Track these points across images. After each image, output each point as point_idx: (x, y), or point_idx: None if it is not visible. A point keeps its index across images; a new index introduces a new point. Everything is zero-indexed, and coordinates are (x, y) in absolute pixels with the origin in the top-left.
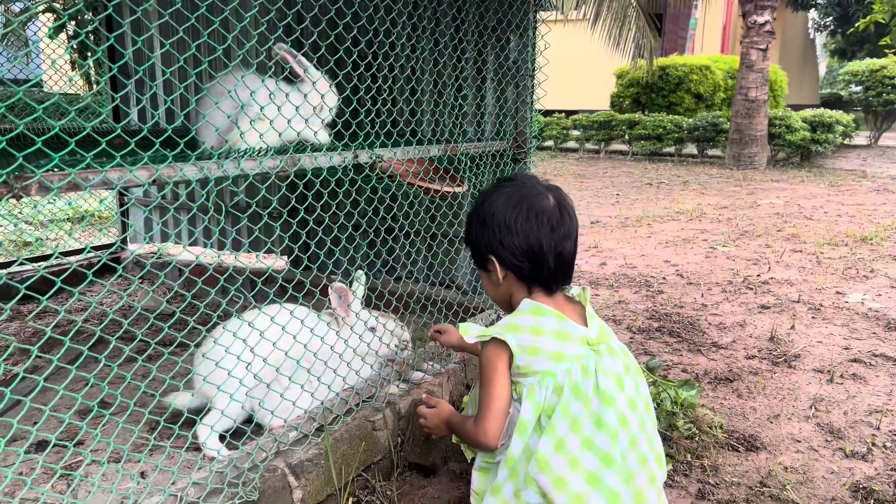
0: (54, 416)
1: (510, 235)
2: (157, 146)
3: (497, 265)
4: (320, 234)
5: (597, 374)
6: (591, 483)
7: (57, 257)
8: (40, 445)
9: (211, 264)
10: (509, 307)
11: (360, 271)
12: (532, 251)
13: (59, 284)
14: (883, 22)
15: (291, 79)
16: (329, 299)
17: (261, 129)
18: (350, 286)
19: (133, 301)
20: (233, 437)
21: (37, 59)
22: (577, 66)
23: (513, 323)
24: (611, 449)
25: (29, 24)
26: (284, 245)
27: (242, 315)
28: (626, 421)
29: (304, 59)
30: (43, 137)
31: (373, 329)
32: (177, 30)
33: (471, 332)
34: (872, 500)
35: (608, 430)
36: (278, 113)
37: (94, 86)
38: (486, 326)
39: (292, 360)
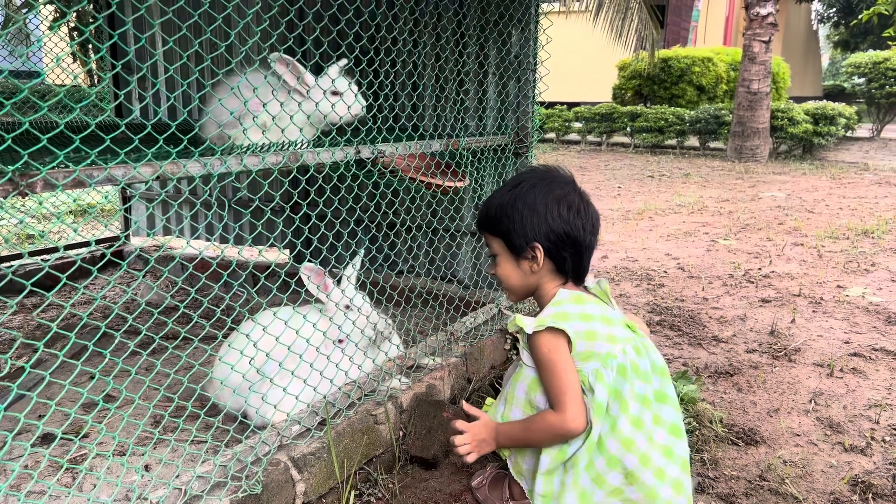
0: (60, 410)
1: (561, 225)
2: (160, 143)
3: (540, 253)
4: (322, 228)
5: (648, 352)
6: (667, 455)
7: (62, 252)
8: (46, 439)
9: (214, 259)
10: (523, 297)
11: (357, 256)
12: (576, 244)
13: (64, 280)
14: (887, 13)
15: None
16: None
17: (267, 130)
18: (344, 269)
19: (136, 295)
20: (237, 431)
21: (38, 52)
22: (578, 57)
23: (562, 311)
24: (676, 420)
25: (31, 17)
26: (287, 240)
27: (256, 318)
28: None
29: (298, 66)
30: (48, 135)
31: (347, 307)
32: (180, 27)
33: (526, 323)
34: (871, 494)
35: (672, 402)
36: (281, 110)
37: (97, 80)
38: (515, 320)
39: (294, 355)
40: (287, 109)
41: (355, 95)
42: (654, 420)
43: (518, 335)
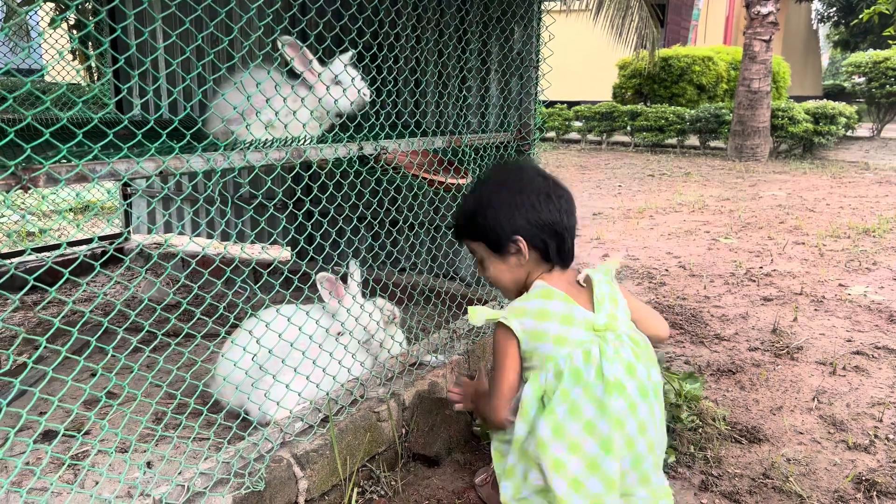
0: (62, 407)
1: (536, 213)
2: (164, 137)
3: (524, 245)
4: (325, 225)
5: (602, 360)
6: (591, 468)
7: (64, 248)
8: (48, 435)
9: (216, 255)
10: (518, 293)
11: (353, 262)
12: (555, 228)
13: (67, 276)
14: (887, 13)
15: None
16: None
17: (269, 126)
18: (346, 277)
19: (138, 292)
20: (239, 427)
21: (38, 49)
22: (579, 56)
23: (521, 307)
24: (611, 434)
25: (31, 13)
26: (289, 236)
27: (260, 314)
28: (635, 407)
29: (308, 53)
30: (51, 129)
31: (339, 335)
32: (182, 21)
33: (478, 315)
34: (875, 492)
35: (610, 417)
36: (284, 105)
37: (97, 75)
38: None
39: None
40: (291, 105)
41: (353, 81)
42: (584, 429)
43: None
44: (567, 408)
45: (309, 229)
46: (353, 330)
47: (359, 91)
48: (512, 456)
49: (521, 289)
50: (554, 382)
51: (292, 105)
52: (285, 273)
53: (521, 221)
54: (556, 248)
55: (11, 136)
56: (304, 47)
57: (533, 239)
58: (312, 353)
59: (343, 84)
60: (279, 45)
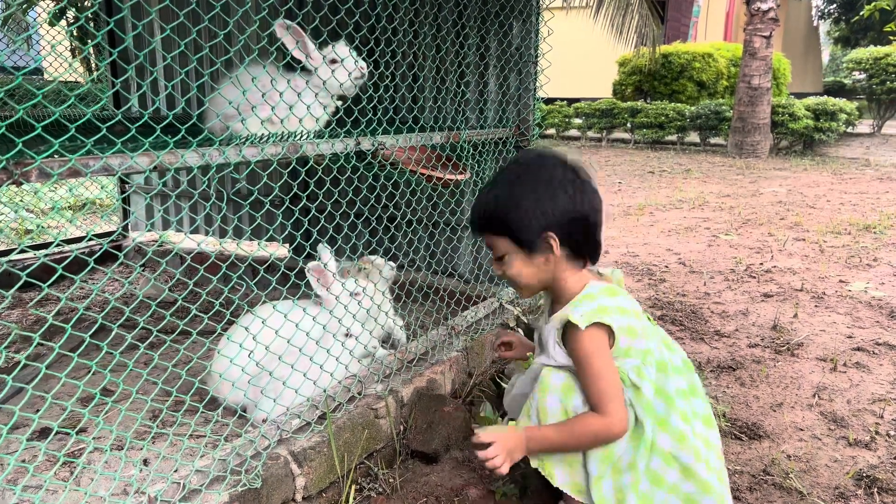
0: (57, 404)
1: (567, 206)
2: (157, 132)
3: (556, 242)
4: (322, 221)
5: (675, 347)
6: (707, 446)
7: (58, 245)
8: (43, 433)
9: (213, 252)
10: (537, 292)
11: (320, 246)
12: (588, 223)
13: (60, 271)
14: (888, 9)
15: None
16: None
17: (265, 121)
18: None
19: (135, 289)
20: (236, 424)
21: (36, 47)
22: (579, 53)
23: (600, 306)
24: (707, 411)
25: (28, 10)
26: (286, 233)
27: (256, 310)
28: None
29: (309, 42)
30: (43, 123)
31: (355, 295)
32: (177, 14)
33: (576, 317)
34: (876, 489)
35: (701, 394)
36: (281, 101)
37: (94, 71)
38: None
39: (294, 348)
40: (293, 97)
41: (356, 61)
42: (692, 413)
43: (530, 332)
44: (681, 398)
45: (306, 226)
46: (347, 319)
47: (355, 63)
48: (641, 463)
49: (542, 289)
50: (659, 375)
51: (294, 97)
52: (282, 269)
53: (552, 216)
54: (587, 245)
55: (3, 129)
56: (305, 33)
57: (564, 235)
58: (309, 350)
59: (345, 64)
60: (279, 30)
